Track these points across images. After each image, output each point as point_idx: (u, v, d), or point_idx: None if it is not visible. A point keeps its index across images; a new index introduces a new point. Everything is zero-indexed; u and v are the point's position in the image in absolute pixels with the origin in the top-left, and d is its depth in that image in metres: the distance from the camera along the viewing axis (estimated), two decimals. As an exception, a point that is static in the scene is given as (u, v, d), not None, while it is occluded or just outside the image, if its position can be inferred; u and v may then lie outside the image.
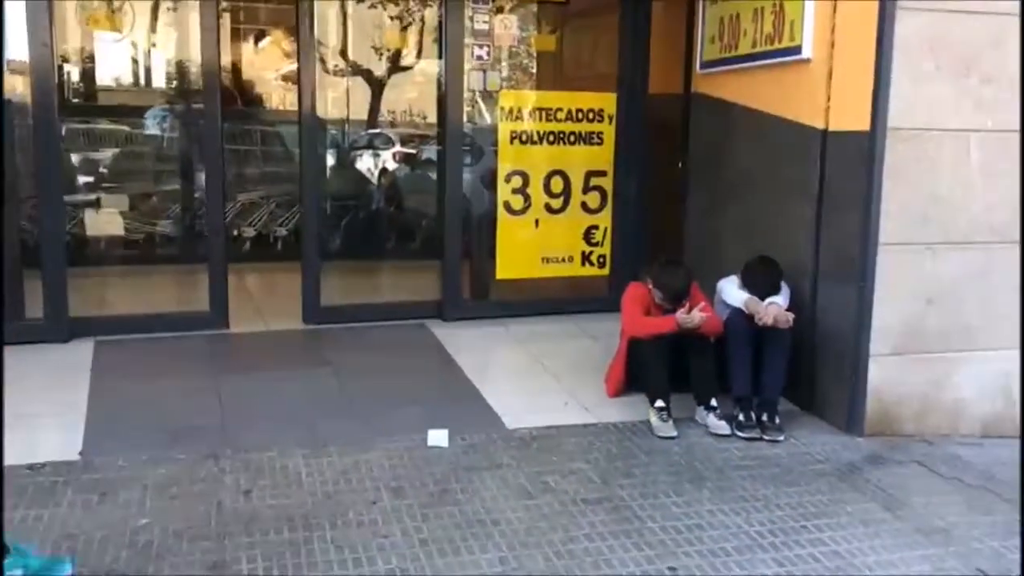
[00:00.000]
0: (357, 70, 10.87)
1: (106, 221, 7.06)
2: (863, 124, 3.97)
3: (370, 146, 9.91)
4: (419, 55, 9.97)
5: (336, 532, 3.08)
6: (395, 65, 10.67)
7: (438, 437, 3.90)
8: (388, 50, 10.29)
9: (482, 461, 3.72)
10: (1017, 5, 3.93)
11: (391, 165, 9.42)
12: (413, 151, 9.42)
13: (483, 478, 3.56)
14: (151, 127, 8.48)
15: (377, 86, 10.89)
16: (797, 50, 4.32)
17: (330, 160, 8.62)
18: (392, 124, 10.85)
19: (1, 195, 4.68)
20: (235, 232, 7.72)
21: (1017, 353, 4.13)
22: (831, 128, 4.19)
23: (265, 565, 2.85)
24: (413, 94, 11.29)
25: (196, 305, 5.50)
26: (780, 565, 2.97)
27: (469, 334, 5.52)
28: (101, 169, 7.70)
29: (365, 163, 9.51)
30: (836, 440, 4.06)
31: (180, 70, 9.14)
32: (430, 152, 8.28)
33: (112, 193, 7.42)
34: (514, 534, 3.11)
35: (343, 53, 10.98)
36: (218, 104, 5.27)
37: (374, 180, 9.08)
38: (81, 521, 3.09)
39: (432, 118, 7.81)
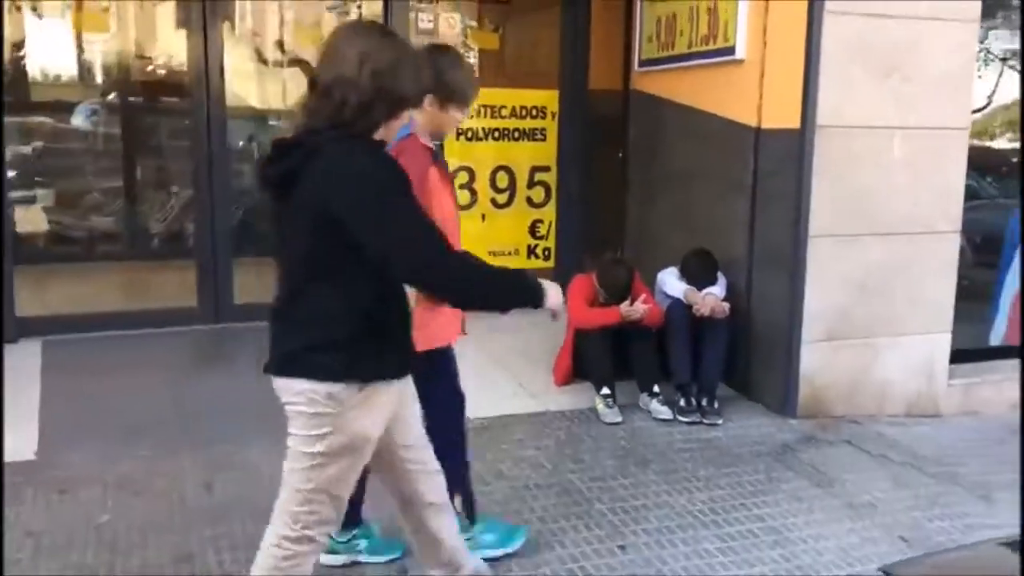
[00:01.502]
0: (295, 62, 10.76)
1: (35, 218, 6.91)
2: (794, 122, 4.18)
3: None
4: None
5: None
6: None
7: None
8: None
9: (436, 450, 3.84)
10: (934, 8, 4.18)
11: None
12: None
13: (438, 467, 3.68)
14: (80, 122, 8.29)
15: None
16: (731, 51, 4.51)
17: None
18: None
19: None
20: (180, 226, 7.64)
21: (942, 336, 4.43)
22: (763, 125, 4.40)
23: (233, 555, 2.93)
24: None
25: (152, 302, 5.48)
26: (722, 541, 3.16)
27: (418, 327, 5.61)
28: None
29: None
30: (771, 422, 4.28)
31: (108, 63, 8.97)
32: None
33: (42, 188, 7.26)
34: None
35: (280, 44, 10.87)
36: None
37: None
38: (43, 519, 3.13)
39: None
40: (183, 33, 5.52)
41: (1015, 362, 4.82)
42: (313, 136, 2.00)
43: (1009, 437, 4.21)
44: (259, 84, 9.11)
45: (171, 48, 6.14)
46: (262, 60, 8.98)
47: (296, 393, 2.04)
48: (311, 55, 10.35)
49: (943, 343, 4.45)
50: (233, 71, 5.75)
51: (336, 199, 1.94)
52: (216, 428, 3.95)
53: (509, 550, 2.96)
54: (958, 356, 4.55)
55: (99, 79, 6.42)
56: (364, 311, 2.04)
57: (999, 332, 5.03)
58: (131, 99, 6.20)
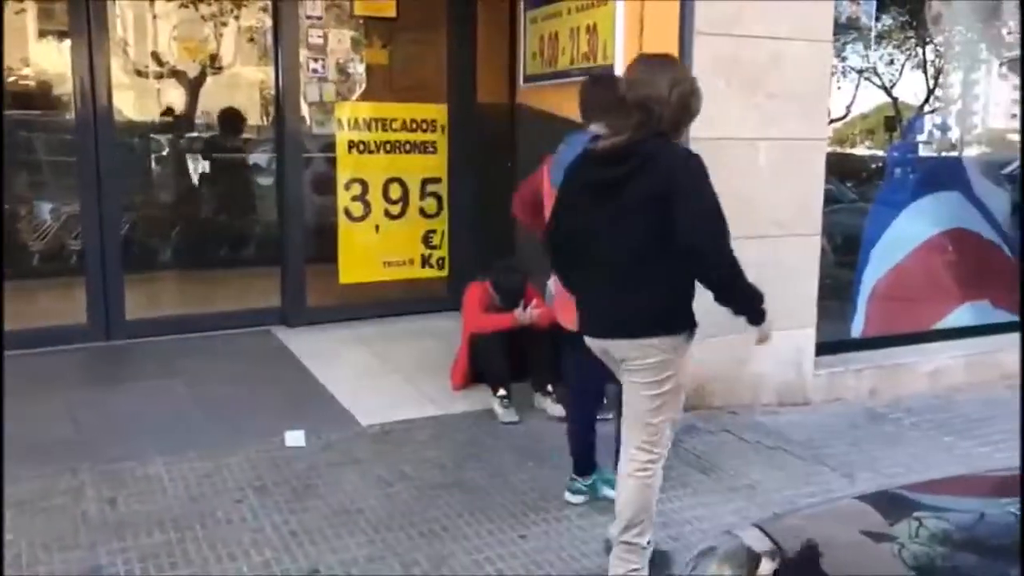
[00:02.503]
0: (174, 73, 10.58)
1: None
2: (670, 135, 4.48)
3: (190, 151, 9.70)
4: (244, 60, 9.86)
5: (207, 531, 3.24)
6: (217, 68, 10.49)
7: (295, 438, 4.09)
8: (211, 53, 10.12)
9: (341, 457, 3.95)
10: (793, 29, 4.56)
11: (215, 171, 9.27)
12: (239, 156, 9.32)
13: (343, 472, 3.79)
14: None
15: (195, 89, 10.65)
16: (610, 69, 4.78)
17: (154, 165, 8.39)
18: (211, 128, 10.66)
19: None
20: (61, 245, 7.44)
21: (808, 330, 4.80)
22: (643, 138, 4.68)
23: (141, 567, 2.97)
24: (236, 98, 11.12)
25: (39, 321, 5.37)
26: (615, 526, 3.39)
27: (316, 338, 5.69)
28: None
29: (186, 169, 9.31)
30: (658, 416, 4.56)
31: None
32: (258, 158, 8.25)
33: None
34: (378, 520, 3.37)
35: (155, 55, 10.66)
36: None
37: (199, 187, 8.92)
38: (-59, 542, 3.09)
39: (254, 122, 7.80)
40: (64, 45, 5.43)
41: (873, 352, 5.28)
42: (643, 145, 2.58)
43: (865, 422, 4.61)
44: (140, 96, 8.89)
45: (49, 60, 6.01)
46: (141, 72, 8.79)
47: (647, 348, 2.66)
48: (191, 67, 10.17)
49: (809, 336, 4.83)
50: (116, 84, 5.68)
51: (674, 185, 2.53)
52: (116, 445, 3.94)
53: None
54: (823, 348, 4.95)
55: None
56: (681, 282, 2.67)
57: (858, 325, 5.48)
58: (6, 112, 6.02)
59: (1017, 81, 7.54)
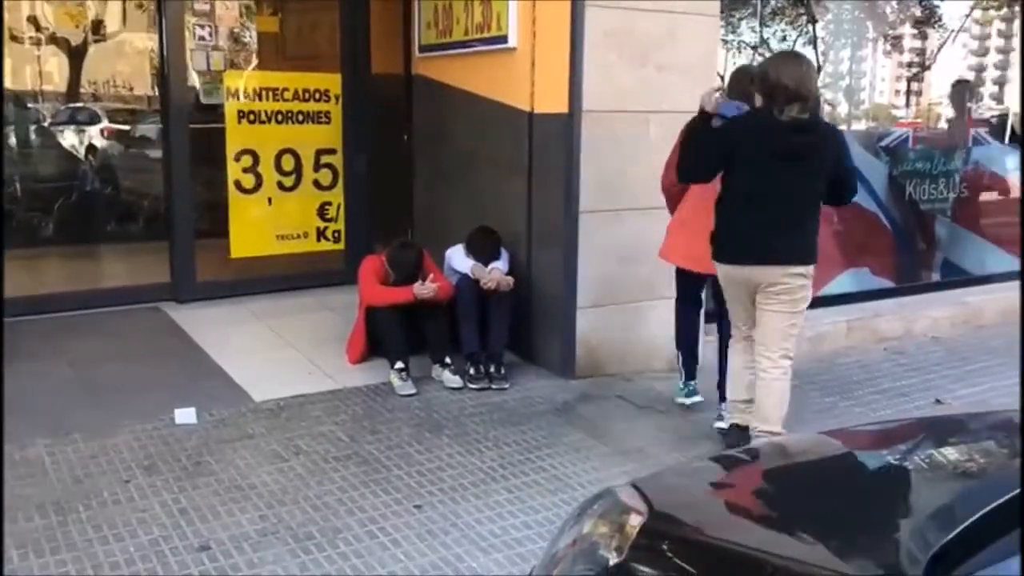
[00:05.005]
0: (54, 39, 10.08)
1: None
2: (562, 107, 4.53)
3: (73, 122, 9.29)
4: (127, 25, 9.47)
5: (91, 512, 3.15)
6: (99, 35, 10.04)
7: (186, 415, 4.00)
8: (90, 20, 9.68)
9: (233, 433, 3.89)
10: (687, 5, 4.65)
11: (100, 143, 8.91)
12: (126, 128, 8.98)
13: (236, 448, 3.74)
14: None
15: (78, 57, 10.18)
16: (504, 39, 4.80)
17: (31, 137, 7.99)
18: (97, 98, 10.23)
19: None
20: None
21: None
22: (536, 110, 4.72)
23: (21, 552, 2.87)
24: (122, 67, 10.68)
25: None
26: (510, 492, 3.44)
27: (207, 314, 5.56)
28: None
29: (69, 140, 8.92)
30: (553, 384, 4.64)
31: None
32: (146, 129, 7.96)
33: None
34: (271, 495, 3.34)
35: (33, 20, 10.13)
36: None
37: (83, 159, 8.56)
38: None
39: (142, 92, 7.53)
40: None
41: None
42: (816, 122, 3.57)
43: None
44: (18, 64, 8.44)
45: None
46: (18, 38, 8.35)
47: (795, 275, 3.52)
48: (73, 33, 9.71)
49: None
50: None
51: (841, 158, 3.57)
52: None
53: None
54: (711, 315, 5.09)
55: None
56: (819, 224, 3.61)
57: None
58: None
59: (902, 57, 7.89)
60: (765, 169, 3.49)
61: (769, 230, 3.52)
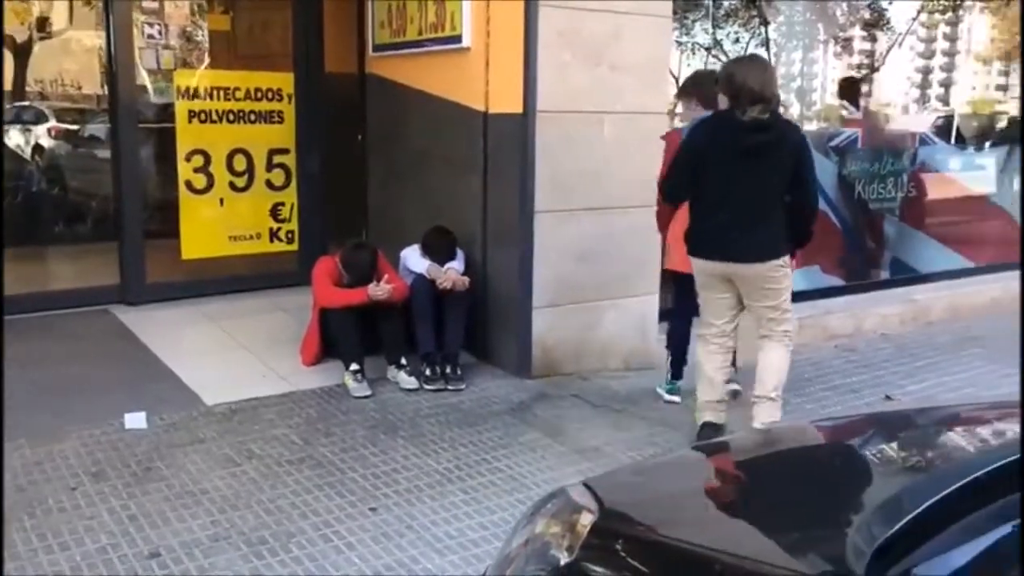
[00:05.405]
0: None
1: None
2: (517, 107, 4.53)
3: (19, 121, 9.07)
4: (74, 23, 9.27)
5: (36, 521, 3.08)
6: (46, 33, 9.82)
7: (135, 419, 3.93)
8: (36, 17, 9.47)
9: (184, 438, 3.83)
10: (634, 4, 4.67)
11: (48, 142, 8.72)
12: (74, 127, 8.80)
13: (187, 453, 3.68)
14: None
15: (24, 55, 9.95)
16: (458, 39, 4.78)
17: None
18: (44, 97, 10.01)
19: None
20: None
21: (651, 297, 4.97)
22: (491, 110, 4.71)
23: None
24: (70, 65, 10.46)
25: None
26: (466, 493, 3.43)
27: (157, 316, 5.46)
28: None
29: (15, 140, 8.71)
30: (509, 384, 4.64)
31: None
32: (95, 129, 7.81)
33: None
34: (223, 499, 3.29)
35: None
36: None
37: (29, 159, 8.36)
38: None
39: (91, 90, 7.38)
40: None
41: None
42: (775, 121, 3.67)
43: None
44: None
45: None
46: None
47: (776, 268, 3.70)
48: (18, 30, 9.50)
49: (652, 303, 5.00)
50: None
51: (801, 157, 3.67)
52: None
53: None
54: (666, 314, 5.13)
55: None
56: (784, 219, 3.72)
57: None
58: None
59: (852, 59, 8.03)
60: (730, 167, 3.64)
61: (739, 226, 3.66)
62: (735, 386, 4.42)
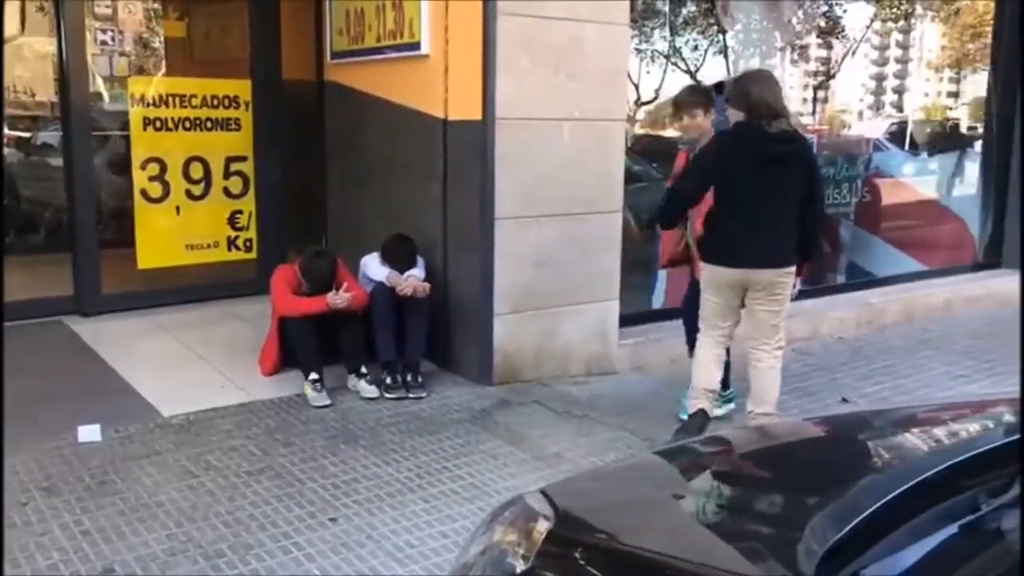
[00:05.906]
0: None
1: None
2: (476, 114, 4.53)
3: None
4: (26, 29, 9.11)
5: (-15, 538, 3.00)
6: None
7: (89, 432, 3.86)
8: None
9: (140, 450, 3.77)
10: (592, 11, 4.70)
11: (3, 151, 8.54)
12: (26, 135, 8.63)
13: (143, 466, 3.62)
14: None
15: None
16: (416, 46, 4.77)
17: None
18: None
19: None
20: None
21: (612, 303, 4.99)
22: (450, 117, 4.71)
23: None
24: (22, 72, 10.28)
25: None
26: (427, 502, 3.42)
27: (112, 327, 5.38)
28: None
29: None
30: (470, 391, 4.63)
31: None
32: (48, 136, 7.67)
33: None
34: (180, 512, 3.24)
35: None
36: None
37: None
38: None
39: (44, 98, 7.24)
40: None
41: (673, 322, 5.55)
42: (793, 134, 3.85)
43: (666, 390, 4.82)
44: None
45: None
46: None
47: (788, 274, 3.86)
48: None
49: (613, 309, 5.03)
50: None
51: (813, 167, 3.95)
52: None
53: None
54: (626, 320, 5.17)
55: None
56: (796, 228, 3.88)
57: (659, 297, 5.76)
58: None
59: (808, 66, 8.13)
60: (754, 175, 3.77)
61: (760, 233, 3.80)
62: (731, 406, 4.51)
